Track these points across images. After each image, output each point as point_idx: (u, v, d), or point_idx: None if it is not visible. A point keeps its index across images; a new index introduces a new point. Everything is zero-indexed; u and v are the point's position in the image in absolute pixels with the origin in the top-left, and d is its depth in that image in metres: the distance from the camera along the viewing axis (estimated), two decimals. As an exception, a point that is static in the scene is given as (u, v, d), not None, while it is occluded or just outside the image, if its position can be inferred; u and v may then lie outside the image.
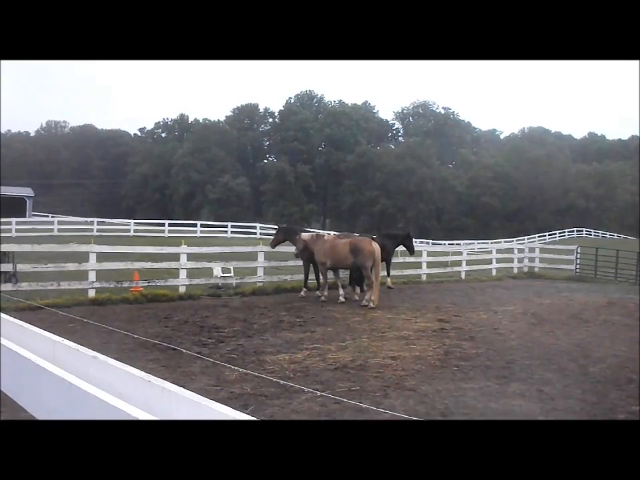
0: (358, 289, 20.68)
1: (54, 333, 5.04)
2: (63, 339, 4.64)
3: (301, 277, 22.24)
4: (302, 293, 20.59)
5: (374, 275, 18.71)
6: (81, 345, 4.61)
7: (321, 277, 20.36)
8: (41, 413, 3.80)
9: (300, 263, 21.85)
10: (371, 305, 18.26)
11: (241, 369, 9.61)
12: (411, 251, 24.92)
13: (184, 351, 9.94)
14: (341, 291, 19.67)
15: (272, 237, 23.89)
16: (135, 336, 11.22)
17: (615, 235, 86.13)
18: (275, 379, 9.14)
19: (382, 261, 23.29)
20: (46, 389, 3.59)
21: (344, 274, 21.45)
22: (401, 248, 24.85)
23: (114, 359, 4.13)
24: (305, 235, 20.22)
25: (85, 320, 12.51)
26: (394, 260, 24.54)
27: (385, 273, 23.93)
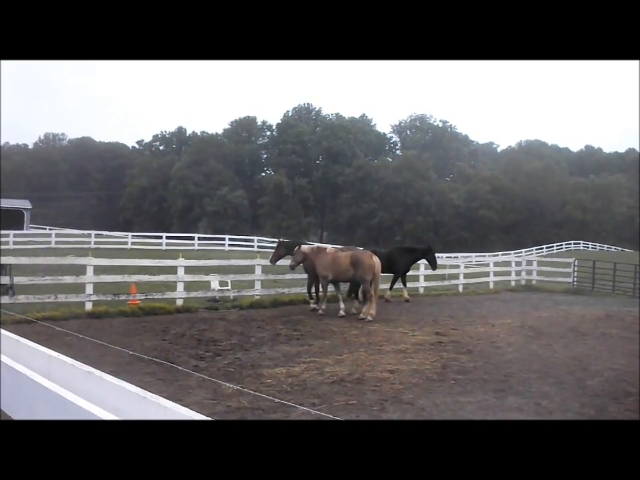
0: (356, 302, 20.63)
1: (51, 346, 5.02)
2: (58, 353, 4.62)
3: (299, 290, 22.34)
4: (312, 304, 20.59)
5: (373, 288, 18.71)
6: (78, 358, 4.60)
7: (321, 289, 20.24)
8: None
9: (297, 276, 21.86)
10: (369, 318, 18.25)
11: (235, 386, 9.57)
12: (433, 265, 24.81)
13: (179, 367, 9.90)
14: (342, 305, 19.59)
15: (271, 251, 23.80)
16: (131, 352, 11.17)
17: (613, 247, 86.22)
18: (269, 396, 9.12)
19: (394, 274, 23.53)
20: (41, 405, 3.57)
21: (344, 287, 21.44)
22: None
23: (110, 372, 4.12)
24: (304, 248, 20.05)
25: (82, 334, 12.48)
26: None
27: (388, 286, 23.95)
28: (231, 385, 9.34)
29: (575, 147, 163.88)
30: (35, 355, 4.82)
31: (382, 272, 22.94)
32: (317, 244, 24.16)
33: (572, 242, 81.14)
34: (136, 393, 3.37)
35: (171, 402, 3.23)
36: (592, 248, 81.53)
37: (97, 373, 4.00)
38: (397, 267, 23.51)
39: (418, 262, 25.30)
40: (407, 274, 25.05)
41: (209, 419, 3.01)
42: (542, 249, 74.31)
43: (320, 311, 19.50)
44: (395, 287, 24.32)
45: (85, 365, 4.32)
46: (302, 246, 20.19)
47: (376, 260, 19.08)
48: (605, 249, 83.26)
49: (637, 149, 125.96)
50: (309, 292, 20.91)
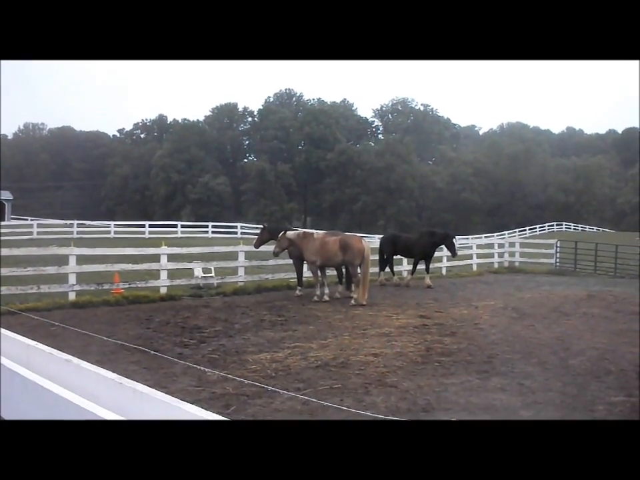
0: (340, 287, 20.65)
1: (35, 337, 5.01)
2: (37, 342, 4.61)
3: (282, 275, 22.34)
4: (297, 291, 20.45)
5: (363, 272, 18.70)
6: (62, 348, 4.60)
7: (313, 275, 20.11)
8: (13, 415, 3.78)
9: (281, 261, 21.82)
10: (362, 302, 18.17)
11: (219, 372, 9.58)
12: (452, 251, 24.33)
13: (163, 356, 9.89)
14: (326, 290, 19.54)
15: (255, 237, 23.74)
16: (113, 341, 11.16)
17: (594, 228, 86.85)
18: (253, 381, 9.13)
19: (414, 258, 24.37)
20: (18, 392, 3.57)
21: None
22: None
23: (96, 361, 4.13)
24: (290, 234, 19.88)
25: (66, 324, 12.45)
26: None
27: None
28: (210, 371, 9.34)
29: (556, 128, 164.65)
30: (13, 344, 4.80)
31: (406, 256, 24.58)
32: (302, 229, 24.05)
33: (554, 223, 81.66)
34: (112, 379, 3.38)
35: (147, 387, 3.24)
36: (574, 229, 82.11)
37: (75, 360, 4.01)
38: (418, 250, 23.81)
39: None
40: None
41: (184, 403, 3.02)
42: (525, 230, 74.69)
43: (324, 297, 19.28)
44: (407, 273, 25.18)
45: (63, 353, 4.32)
46: (287, 232, 20.03)
47: (365, 244, 19.09)
48: (587, 229, 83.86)
49: (618, 130, 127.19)
50: (300, 279, 20.79)
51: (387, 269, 24.57)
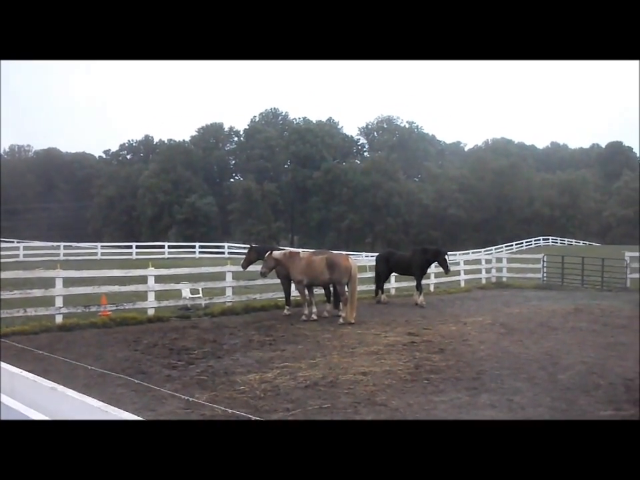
0: (328, 305, 20.61)
1: (21, 361, 4.98)
2: (21, 370, 4.57)
3: (270, 295, 22.23)
4: (285, 311, 20.39)
5: (351, 291, 18.69)
6: (50, 372, 4.58)
7: (300, 295, 20.00)
8: None
9: (269, 281, 21.74)
10: (351, 320, 18.14)
11: (201, 401, 9.53)
12: (445, 268, 23.58)
13: (147, 385, 9.84)
14: (313, 309, 19.46)
15: (242, 257, 23.69)
16: (99, 370, 11.09)
17: (581, 242, 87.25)
18: (242, 403, 9.09)
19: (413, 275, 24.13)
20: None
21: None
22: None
23: (83, 385, 4.11)
24: (275, 253, 19.83)
25: (53, 348, 12.39)
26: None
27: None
28: (192, 399, 9.29)
29: (541, 143, 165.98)
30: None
31: (401, 273, 24.57)
32: (288, 249, 24.00)
33: (541, 238, 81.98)
34: (98, 407, 3.36)
35: (132, 415, 3.22)
36: (560, 243, 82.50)
37: (60, 388, 3.98)
38: (413, 267, 23.75)
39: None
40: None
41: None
42: (511, 245, 74.90)
43: (312, 316, 19.11)
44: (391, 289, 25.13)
45: (47, 380, 4.28)
46: (273, 252, 19.99)
47: (352, 262, 19.08)
48: (574, 243, 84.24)
49: (601, 144, 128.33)
50: (287, 298, 20.70)
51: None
